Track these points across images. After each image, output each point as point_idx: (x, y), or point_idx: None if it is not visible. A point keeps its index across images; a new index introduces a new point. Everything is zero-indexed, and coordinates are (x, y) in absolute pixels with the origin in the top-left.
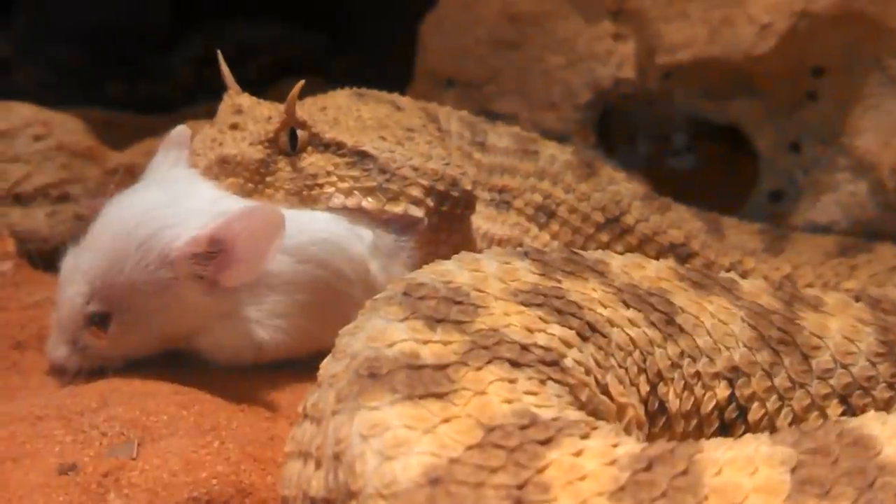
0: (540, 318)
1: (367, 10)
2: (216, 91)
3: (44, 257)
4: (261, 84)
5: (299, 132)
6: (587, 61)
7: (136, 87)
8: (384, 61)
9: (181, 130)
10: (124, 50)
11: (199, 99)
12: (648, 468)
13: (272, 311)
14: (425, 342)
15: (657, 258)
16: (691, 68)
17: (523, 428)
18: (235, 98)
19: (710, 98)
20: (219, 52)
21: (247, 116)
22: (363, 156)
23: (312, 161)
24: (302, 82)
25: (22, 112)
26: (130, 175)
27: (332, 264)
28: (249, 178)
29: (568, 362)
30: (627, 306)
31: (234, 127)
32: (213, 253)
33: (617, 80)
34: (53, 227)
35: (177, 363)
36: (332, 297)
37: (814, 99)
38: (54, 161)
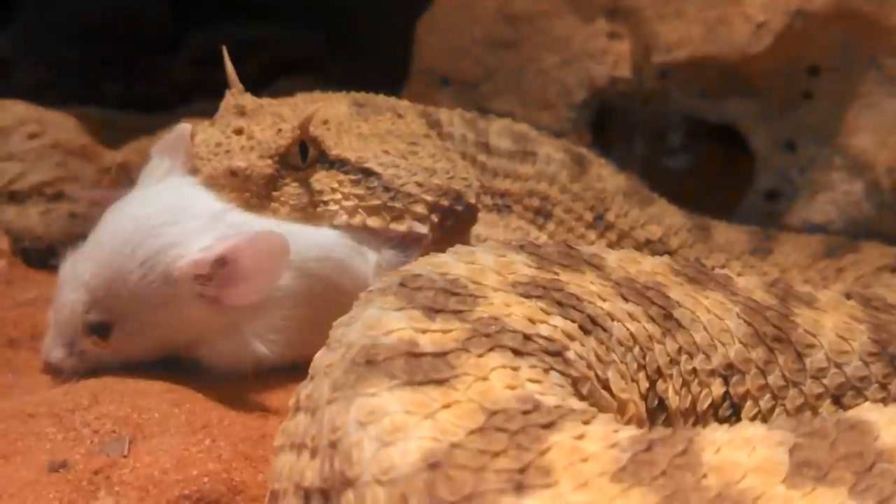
0: (541, 310)
1: (363, 9)
2: (213, 91)
3: (38, 255)
4: (259, 83)
5: (310, 148)
6: (583, 60)
7: (134, 87)
8: (380, 60)
9: (178, 132)
10: (123, 50)
11: (195, 99)
12: (648, 449)
13: (273, 327)
14: (424, 331)
15: None
16: (687, 67)
17: (526, 413)
18: (238, 97)
19: (705, 97)
20: (224, 49)
21: (251, 121)
22: (367, 173)
23: (318, 178)
24: (319, 105)
25: (16, 110)
26: (125, 172)
27: (335, 280)
28: (256, 192)
29: (570, 354)
30: (626, 300)
31: (239, 132)
32: (217, 273)
33: (613, 79)
34: (48, 225)
35: (169, 362)
36: (334, 313)
37: (810, 98)
38: (49, 159)
